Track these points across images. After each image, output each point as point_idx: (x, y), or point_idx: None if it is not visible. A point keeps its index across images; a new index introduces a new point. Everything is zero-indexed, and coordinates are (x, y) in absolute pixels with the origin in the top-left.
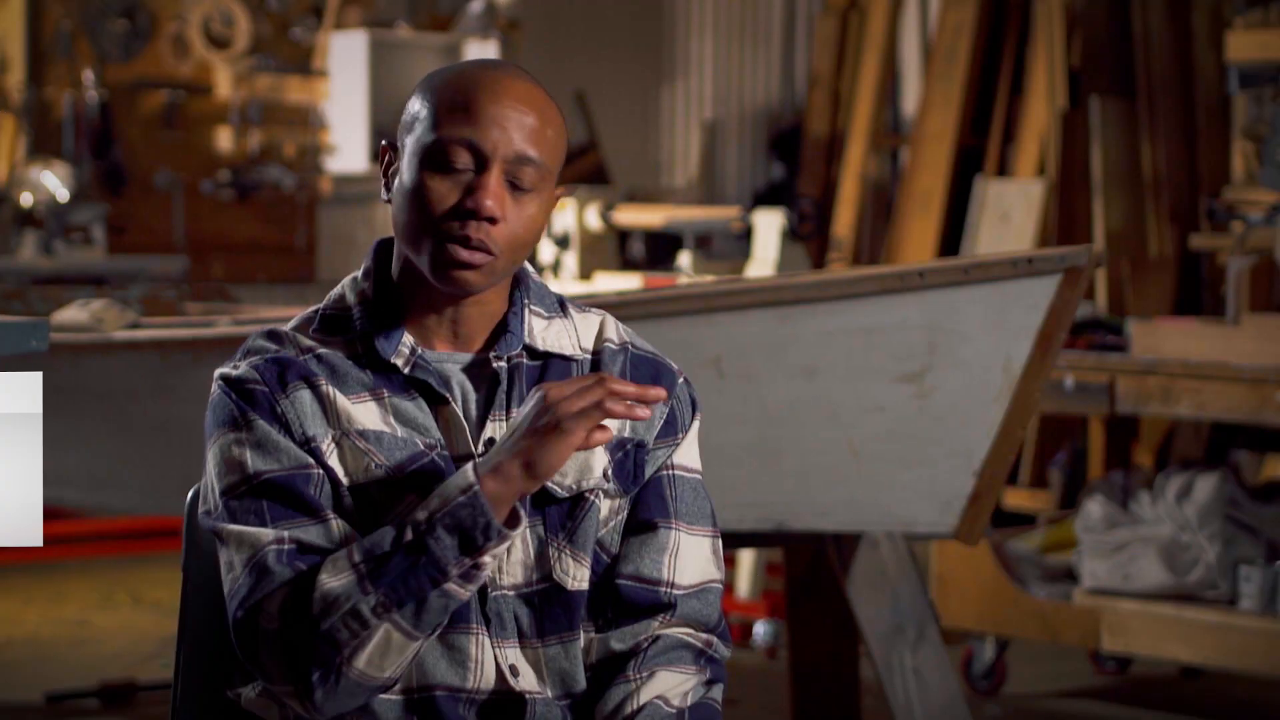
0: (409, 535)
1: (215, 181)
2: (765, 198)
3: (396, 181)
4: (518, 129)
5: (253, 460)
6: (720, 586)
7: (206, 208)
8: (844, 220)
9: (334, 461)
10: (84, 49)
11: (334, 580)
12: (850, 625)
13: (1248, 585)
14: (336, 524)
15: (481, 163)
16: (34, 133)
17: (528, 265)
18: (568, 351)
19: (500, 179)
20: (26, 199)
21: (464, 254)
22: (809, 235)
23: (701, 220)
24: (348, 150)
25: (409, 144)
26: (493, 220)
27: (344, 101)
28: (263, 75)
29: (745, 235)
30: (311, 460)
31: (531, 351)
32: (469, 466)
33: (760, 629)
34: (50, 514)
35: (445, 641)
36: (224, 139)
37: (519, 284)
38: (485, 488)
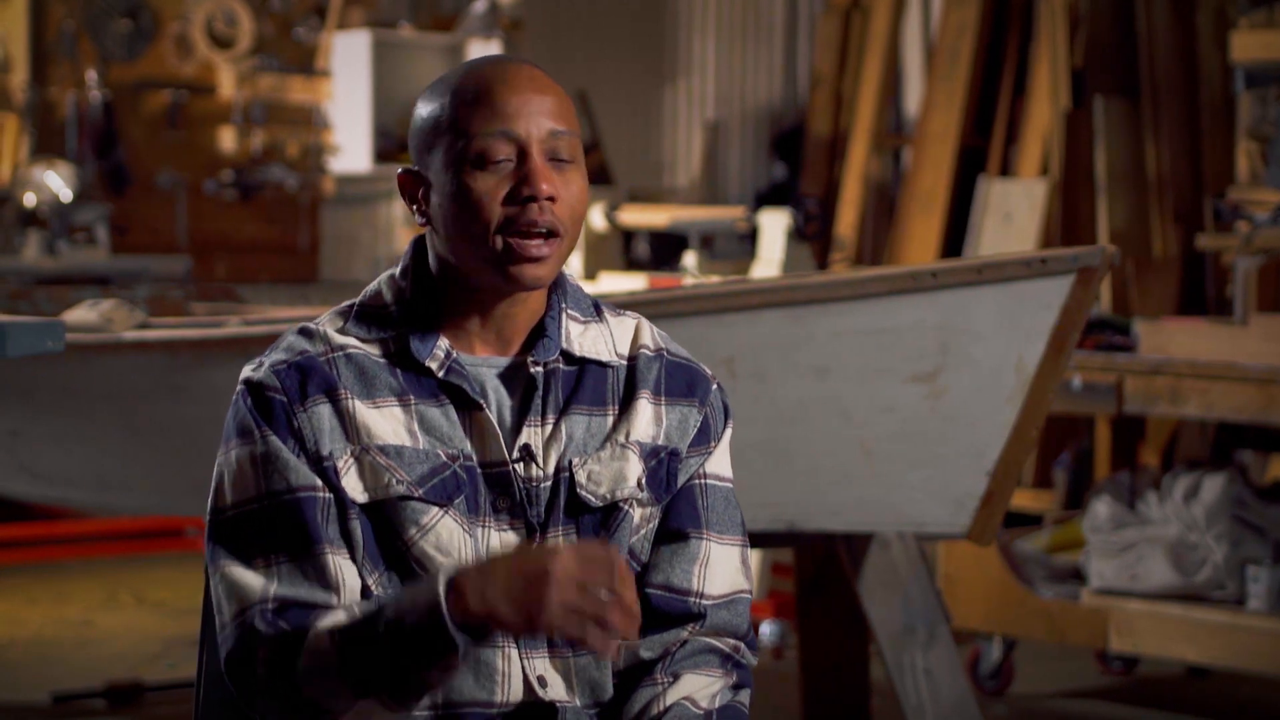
0: (383, 627)
1: (218, 181)
2: (767, 198)
3: (434, 199)
4: (541, 109)
5: (261, 479)
6: (749, 596)
7: (209, 208)
8: (846, 220)
9: (351, 478)
10: (87, 49)
11: (315, 658)
12: (860, 625)
13: (1255, 585)
14: (333, 561)
15: (521, 150)
16: (37, 133)
17: (562, 268)
18: (604, 357)
19: (543, 159)
20: (30, 199)
21: (533, 248)
22: (815, 235)
23: (706, 220)
24: (351, 150)
25: (440, 157)
26: (551, 199)
27: (347, 101)
28: (266, 75)
29: (749, 235)
30: (320, 483)
31: (568, 356)
32: (442, 580)
33: (766, 629)
34: (53, 514)
35: (472, 657)
36: (227, 139)
37: (556, 286)
38: (454, 613)
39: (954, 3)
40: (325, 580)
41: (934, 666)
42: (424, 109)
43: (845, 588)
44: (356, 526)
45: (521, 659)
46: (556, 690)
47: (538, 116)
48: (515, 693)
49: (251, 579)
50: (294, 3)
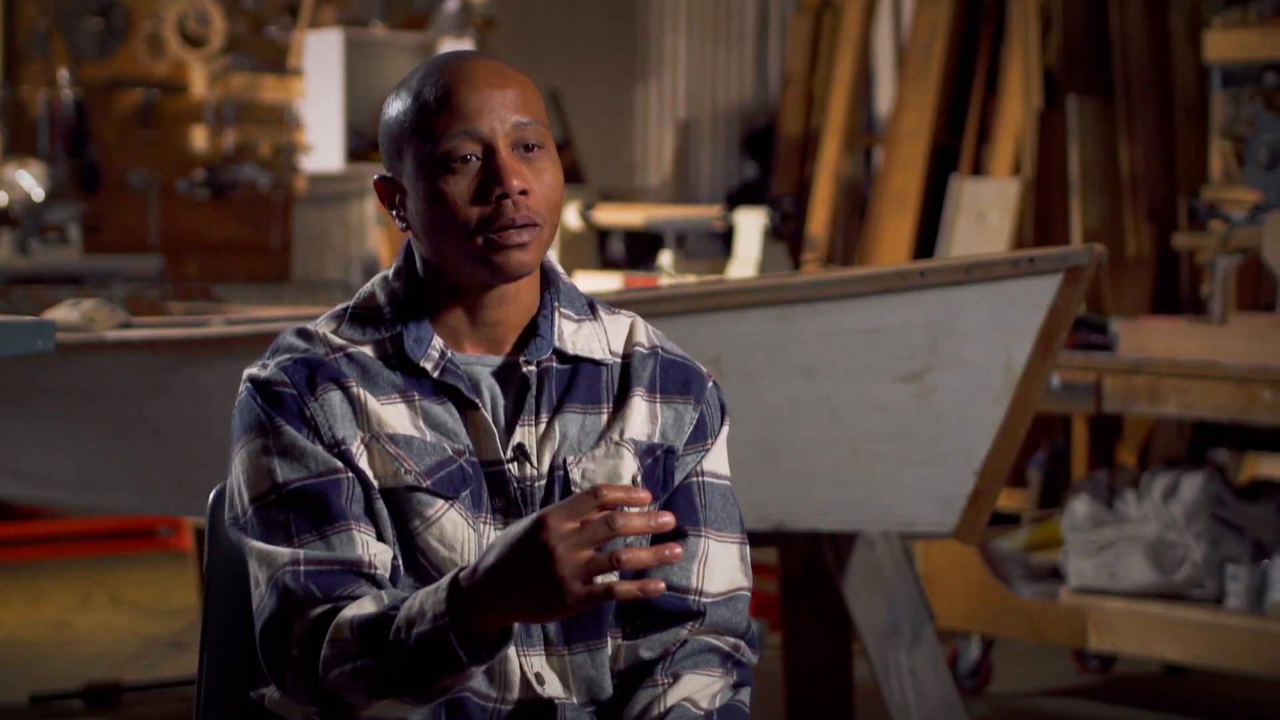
0: (393, 635)
1: (190, 180)
2: (739, 197)
3: (411, 204)
4: (503, 103)
5: (280, 469)
6: (748, 594)
7: (182, 207)
8: (818, 220)
9: (363, 465)
10: (59, 48)
11: (335, 649)
12: (845, 625)
13: (1234, 584)
14: (360, 535)
15: (488, 147)
16: (9, 131)
17: (558, 267)
18: (597, 355)
19: (510, 153)
20: (1, 198)
21: (513, 236)
22: (790, 235)
23: (682, 219)
24: (323, 149)
25: (410, 162)
26: (524, 193)
27: (319, 100)
28: (238, 74)
29: (723, 235)
30: (341, 465)
31: (561, 355)
32: (446, 593)
33: None
34: (25, 514)
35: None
36: (199, 138)
37: (549, 285)
38: (461, 624)
39: (925, 2)
40: (353, 550)
41: (919, 666)
42: (389, 114)
43: (830, 587)
44: (382, 507)
45: (519, 656)
46: (553, 688)
47: (500, 111)
48: (513, 689)
49: (279, 551)
50: (266, 2)
